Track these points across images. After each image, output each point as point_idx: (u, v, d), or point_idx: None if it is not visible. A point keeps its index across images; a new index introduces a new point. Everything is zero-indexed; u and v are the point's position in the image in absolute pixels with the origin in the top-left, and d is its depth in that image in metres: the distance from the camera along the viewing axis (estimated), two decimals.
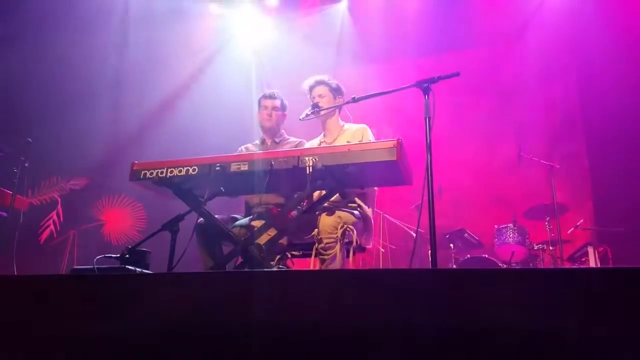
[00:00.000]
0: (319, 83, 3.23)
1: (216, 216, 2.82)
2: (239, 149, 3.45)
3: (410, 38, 6.28)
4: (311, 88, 3.24)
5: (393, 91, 2.90)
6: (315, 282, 1.62)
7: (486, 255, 4.91)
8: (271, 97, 3.37)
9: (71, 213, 5.89)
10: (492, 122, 5.97)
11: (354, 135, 3.15)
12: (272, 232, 2.68)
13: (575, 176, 5.58)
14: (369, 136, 3.16)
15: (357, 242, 2.79)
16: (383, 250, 5.37)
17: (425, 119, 2.48)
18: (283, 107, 3.42)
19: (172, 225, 2.54)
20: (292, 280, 1.68)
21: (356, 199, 3.01)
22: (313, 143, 3.31)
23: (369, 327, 1.46)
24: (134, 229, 6.18)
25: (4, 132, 4.91)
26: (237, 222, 3.10)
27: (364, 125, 3.23)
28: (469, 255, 4.98)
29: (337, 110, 3.26)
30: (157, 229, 2.54)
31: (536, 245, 4.85)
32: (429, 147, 2.43)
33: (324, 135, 3.30)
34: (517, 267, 4.71)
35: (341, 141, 3.12)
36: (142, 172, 2.60)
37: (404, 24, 6.35)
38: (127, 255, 2.36)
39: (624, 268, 1.38)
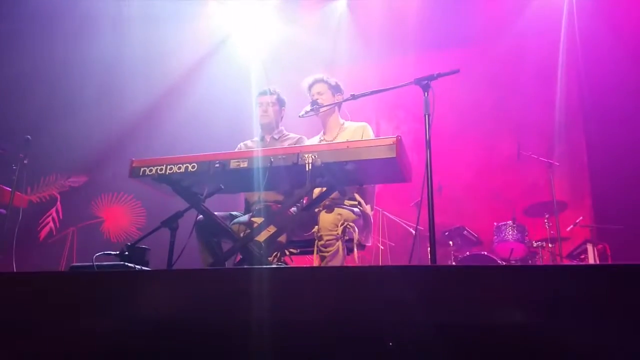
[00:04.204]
0: (318, 81, 3.22)
1: (216, 213, 2.82)
2: (238, 145, 3.45)
3: (410, 35, 6.26)
4: (310, 86, 3.24)
5: (392, 88, 2.90)
6: (315, 279, 1.63)
7: (485, 253, 4.91)
8: (265, 93, 3.35)
9: (70, 210, 5.88)
10: (491, 120, 5.97)
11: (354, 133, 3.13)
12: (271, 229, 2.67)
13: (574, 173, 5.59)
14: (370, 134, 3.14)
15: (357, 239, 2.79)
16: (382, 248, 5.37)
17: (425, 116, 2.48)
18: (280, 102, 3.39)
19: (171, 222, 2.54)
20: (291, 277, 1.68)
21: (355, 195, 3.00)
22: (313, 141, 3.30)
23: (369, 324, 1.46)
24: (133, 226, 6.17)
25: (3, 129, 4.90)
26: (237, 219, 3.10)
27: (364, 123, 3.21)
28: (468, 253, 4.99)
29: (337, 108, 3.25)
30: (156, 226, 2.53)
31: (535, 242, 4.85)
32: (428, 144, 2.43)
33: (323, 133, 3.29)
34: (516, 264, 4.72)
35: (341, 139, 3.10)
36: (142, 169, 2.60)
37: (404, 21, 6.33)
38: (127, 252, 2.35)
39: (623, 265, 1.38)
